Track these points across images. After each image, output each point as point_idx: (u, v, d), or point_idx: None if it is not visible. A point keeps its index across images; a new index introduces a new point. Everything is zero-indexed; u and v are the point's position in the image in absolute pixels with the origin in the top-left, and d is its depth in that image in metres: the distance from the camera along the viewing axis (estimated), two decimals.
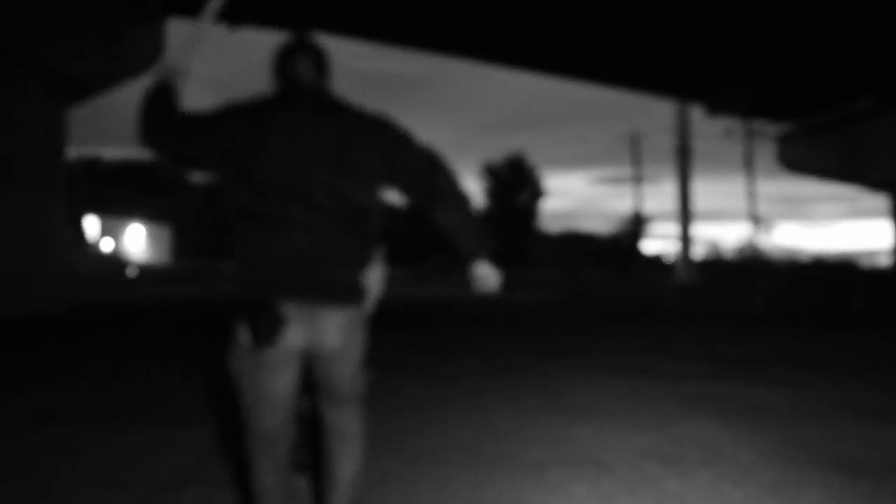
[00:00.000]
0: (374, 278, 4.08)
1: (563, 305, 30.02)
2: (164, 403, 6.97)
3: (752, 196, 42.84)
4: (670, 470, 5.02)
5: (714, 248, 62.10)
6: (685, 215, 47.58)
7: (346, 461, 3.35)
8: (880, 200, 34.95)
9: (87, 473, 4.78)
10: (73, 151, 73.49)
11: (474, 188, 77.96)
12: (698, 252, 54.97)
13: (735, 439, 5.88)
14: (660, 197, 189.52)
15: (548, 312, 24.61)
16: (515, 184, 77.21)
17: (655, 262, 72.52)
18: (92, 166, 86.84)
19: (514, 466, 5.08)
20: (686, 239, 47.68)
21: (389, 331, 13.63)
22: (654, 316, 22.70)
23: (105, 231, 63.94)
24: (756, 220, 44.52)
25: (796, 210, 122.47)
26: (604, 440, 5.84)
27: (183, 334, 13.54)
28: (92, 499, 4.30)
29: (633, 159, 57.05)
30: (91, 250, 58.16)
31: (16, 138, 18.06)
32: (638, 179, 57.65)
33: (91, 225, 61.51)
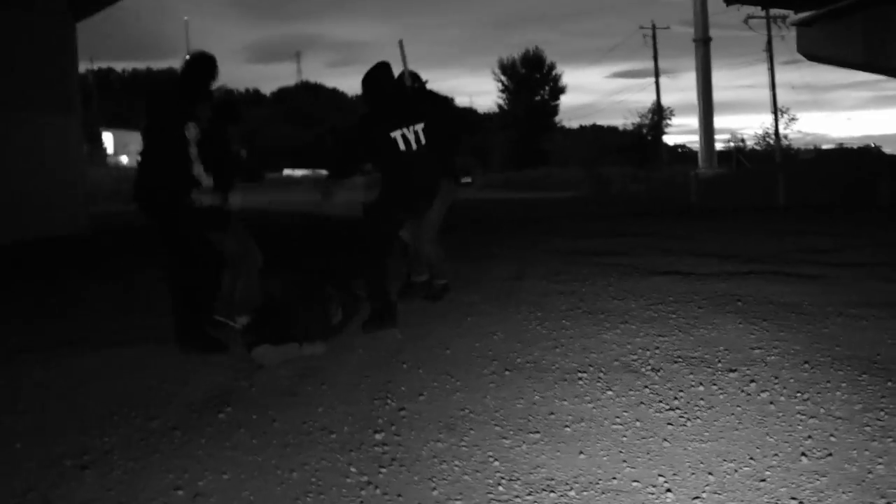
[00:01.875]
0: None
1: (584, 203, 29.90)
2: None
3: (772, 86, 42.19)
4: (698, 373, 5.03)
5: (735, 139, 61.32)
6: (706, 107, 47.14)
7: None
8: None
9: (120, 398, 4.85)
10: (85, 66, 73.08)
11: (491, 87, 76.98)
12: (719, 144, 54.37)
13: (761, 340, 5.87)
14: (680, 90, 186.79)
15: (570, 212, 24.53)
16: (534, 81, 76.41)
17: (677, 155, 71.96)
18: (104, 80, 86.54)
19: (543, 373, 5.12)
20: (708, 131, 47.30)
21: None
22: (677, 212, 22.60)
23: (121, 146, 63.82)
24: (777, 109, 43.90)
25: (819, 99, 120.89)
26: (632, 344, 5.85)
27: None
28: (126, 423, 4.37)
29: (652, 52, 56.35)
30: (109, 166, 58.18)
31: (28, 59, 17.94)
32: (656, 73, 57.04)
33: (107, 140, 61.46)
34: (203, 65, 6.35)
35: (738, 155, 52.50)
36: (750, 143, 59.66)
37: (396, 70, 6.82)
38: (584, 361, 5.40)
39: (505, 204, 31.18)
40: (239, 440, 4.03)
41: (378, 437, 4.04)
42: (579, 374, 5.06)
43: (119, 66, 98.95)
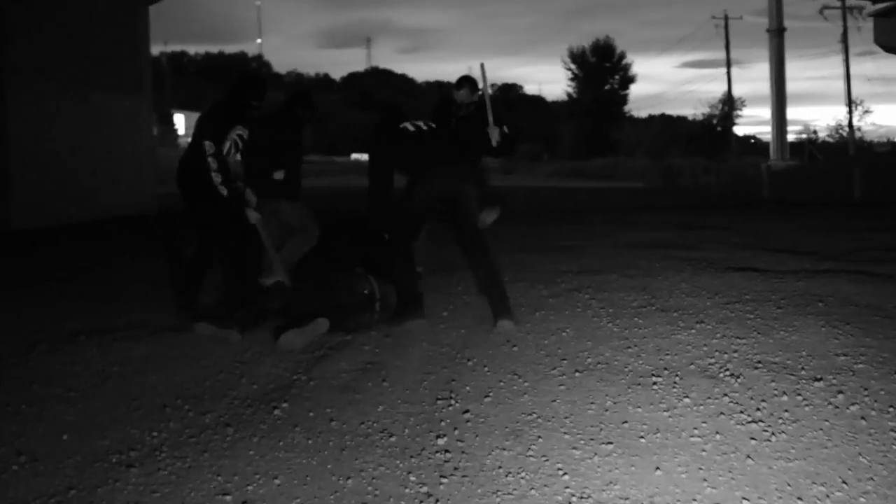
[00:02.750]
0: None
1: (654, 194, 29.41)
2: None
3: (847, 77, 41.15)
4: (780, 381, 4.71)
5: (808, 131, 60.05)
6: (779, 98, 46.26)
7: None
8: None
9: (174, 389, 4.69)
10: (159, 49, 73.91)
11: (561, 75, 76.74)
12: (791, 135, 53.23)
13: (846, 345, 5.52)
14: (750, 81, 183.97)
15: (639, 203, 24.10)
16: (603, 70, 75.69)
17: (747, 145, 70.83)
18: (178, 63, 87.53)
19: (615, 376, 4.85)
20: (781, 123, 46.42)
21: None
22: (749, 205, 22.08)
23: (191, 127, 64.22)
24: (851, 101, 42.85)
25: (894, 91, 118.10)
26: (708, 346, 5.56)
27: None
28: (178, 417, 4.19)
29: (723, 42, 55.37)
30: (180, 147, 58.72)
31: (100, 40, 18.01)
32: (728, 63, 56.05)
33: (178, 122, 62.10)
34: (250, 85, 6.95)
35: (811, 147, 51.40)
36: (822, 135, 58.46)
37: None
38: (659, 364, 5.12)
39: (572, 193, 30.79)
40: (293, 440, 3.82)
41: (440, 441, 3.80)
42: (653, 378, 4.78)
43: (192, 50, 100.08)
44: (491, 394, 4.53)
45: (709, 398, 4.40)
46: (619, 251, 10.77)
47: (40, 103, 15.86)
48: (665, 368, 4.99)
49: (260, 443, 3.78)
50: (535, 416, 4.15)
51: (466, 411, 4.22)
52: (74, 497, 3.20)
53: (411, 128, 6.70)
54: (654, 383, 4.68)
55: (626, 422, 4.05)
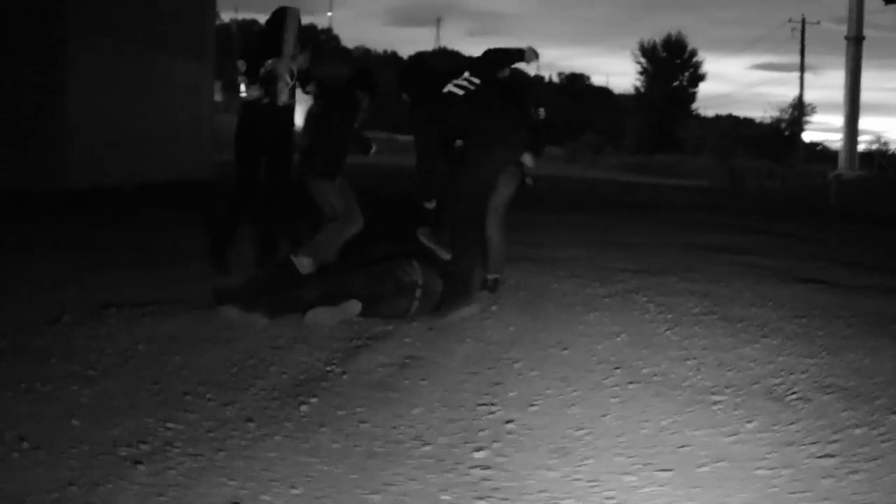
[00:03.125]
0: None
1: (718, 195, 28.75)
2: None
3: None
4: (855, 410, 4.28)
5: (879, 142, 58.60)
6: (853, 107, 45.20)
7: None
8: None
9: (199, 374, 4.37)
10: (229, 16, 74.15)
11: (629, 68, 76.21)
12: (861, 145, 51.96)
13: None
14: (822, 88, 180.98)
15: (702, 203, 23.53)
16: (673, 66, 74.55)
17: (813, 152, 69.66)
18: (247, 30, 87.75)
19: (673, 390, 4.47)
20: (852, 132, 45.40)
21: (536, 215, 12.91)
22: (816, 213, 21.44)
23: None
24: None
25: None
26: (773, 364, 5.14)
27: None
28: (198, 407, 3.87)
29: (797, 46, 54.24)
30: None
31: (164, 1, 17.86)
32: (802, 67, 54.88)
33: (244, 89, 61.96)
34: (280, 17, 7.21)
35: (880, 158, 50.16)
36: (893, 147, 57.15)
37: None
38: (720, 380, 4.73)
39: (634, 188, 30.23)
40: (318, 442, 3.48)
41: (478, 455, 3.44)
42: (714, 397, 4.39)
43: (262, 18, 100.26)
44: (537, 402, 4.16)
45: (775, 424, 4.00)
46: (680, 252, 10.36)
47: (100, 64, 15.71)
48: (727, 386, 4.59)
49: (282, 443, 3.44)
50: (584, 431, 3.78)
51: (509, 421, 3.85)
52: (73, 495, 2.88)
53: (459, 91, 6.12)
54: (716, 403, 4.29)
55: (684, 446, 3.66)
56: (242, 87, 7.27)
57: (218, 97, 60.58)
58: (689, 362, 5.05)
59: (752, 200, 26.53)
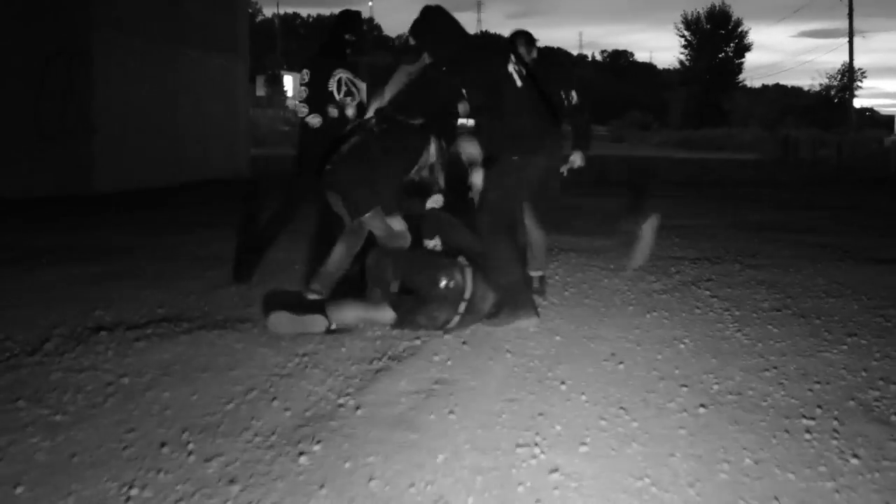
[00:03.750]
0: None
1: (770, 167, 27.69)
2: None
3: None
4: None
5: None
6: None
7: None
8: None
9: (193, 411, 3.70)
10: (271, 11, 74.08)
11: (672, 43, 74.84)
12: None
13: None
14: (870, 52, 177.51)
15: (756, 177, 22.52)
16: (718, 37, 73.01)
17: (864, 118, 68.22)
18: (290, 25, 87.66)
19: (752, 413, 3.72)
20: None
21: (582, 199, 11.94)
22: (877, 182, 20.39)
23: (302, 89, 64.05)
24: None
25: None
26: (868, 371, 4.39)
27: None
28: (175, 463, 3.19)
29: (843, 11, 52.61)
30: (287, 108, 58.55)
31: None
32: (850, 31, 53.19)
33: (287, 83, 61.91)
34: (341, 20, 7.06)
35: None
36: None
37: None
38: (807, 396, 3.97)
39: (683, 164, 29.19)
40: None
41: None
42: (804, 421, 3.64)
43: (304, 12, 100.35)
44: (588, 440, 3.42)
45: (885, 459, 3.25)
46: (739, 233, 9.57)
47: (129, 60, 15.16)
48: (817, 405, 3.84)
49: None
50: (647, 481, 3.04)
51: (554, 470, 3.12)
52: None
53: (517, 77, 5.20)
54: (807, 430, 3.54)
55: (777, 498, 2.92)
56: (300, 104, 7.06)
57: (261, 91, 60.83)
58: (767, 374, 4.30)
59: (807, 171, 25.45)
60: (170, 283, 6.40)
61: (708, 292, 6.27)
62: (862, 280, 6.80)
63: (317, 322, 4.91)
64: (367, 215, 5.34)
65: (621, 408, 3.79)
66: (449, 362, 4.47)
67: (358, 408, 3.76)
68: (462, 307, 5.05)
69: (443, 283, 5.02)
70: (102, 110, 14.48)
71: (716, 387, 4.10)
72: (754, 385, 4.12)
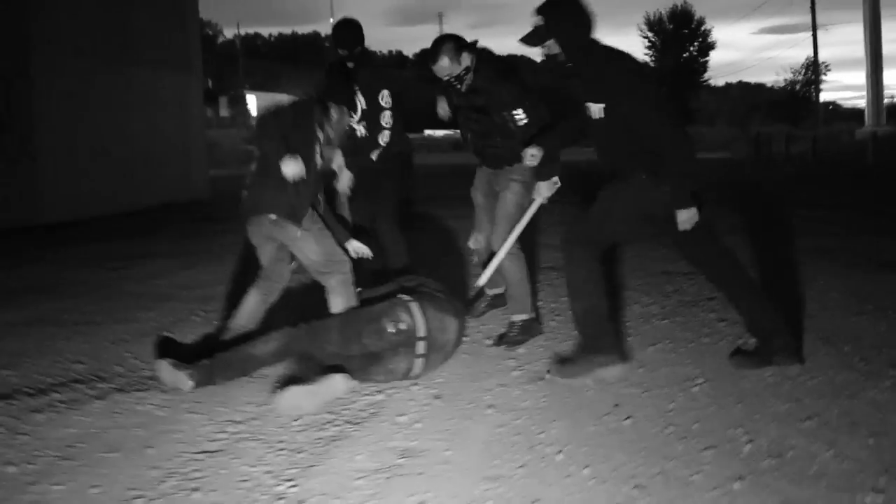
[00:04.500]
0: None
1: (745, 166, 27.03)
2: None
3: None
4: None
5: None
6: (875, 60, 43.42)
7: None
8: None
9: None
10: (232, 32, 73.49)
11: (637, 44, 74.67)
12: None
13: None
14: (830, 45, 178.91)
15: (733, 176, 21.80)
16: (681, 37, 72.59)
17: (828, 112, 68.36)
18: (251, 45, 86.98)
19: (805, 487, 2.95)
20: (877, 86, 43.62)
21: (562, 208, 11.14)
22: (858, 176, 19.72)
23: (263, 108, 63.69)
24: None
25: None
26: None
27: None
28: None
29: (802, 7, 52.28)
30: (250, 128, 57.79)
31: (142, 12, 16.45)
32: (814, 25, 52.80)
33: (251, 102, 61.27)
34: (333, 34, 6.14)
35: None
36: None
37: None
38: (865, 457, 3.20)
39: None
40: None
41: None
42: (873, 497, 2.86)
43: (265, 31, 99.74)
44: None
45: None
46: (733, 239, 8.77)
47: (73, 81, 14.29)
48: (883, 470, 3.06)
49: None
50: None
51: None
52: None
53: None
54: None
55: None
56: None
57: (224, 112, 60.04)
58: (807, 424, 3.51)
59: (782, 168, 24.81)
60: (97, 330, 5.56)
61: (713, 314, 5.49)
62: (879, 291, 6.09)
63: (338, 383, 4.07)
64: (291, 236, 4.56)
65: (636, 486, 2.98)
66: (418, 424, 3.66)
67: (301, 503, 2.94)
68: (421, 348, 4.26)
69: (391, 331, 4.23)
70: (46, 136, 13.63)
71: (748, 447, 3.31)
72: (795, 441, 3.33)
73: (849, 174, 20.37)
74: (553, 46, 4.16)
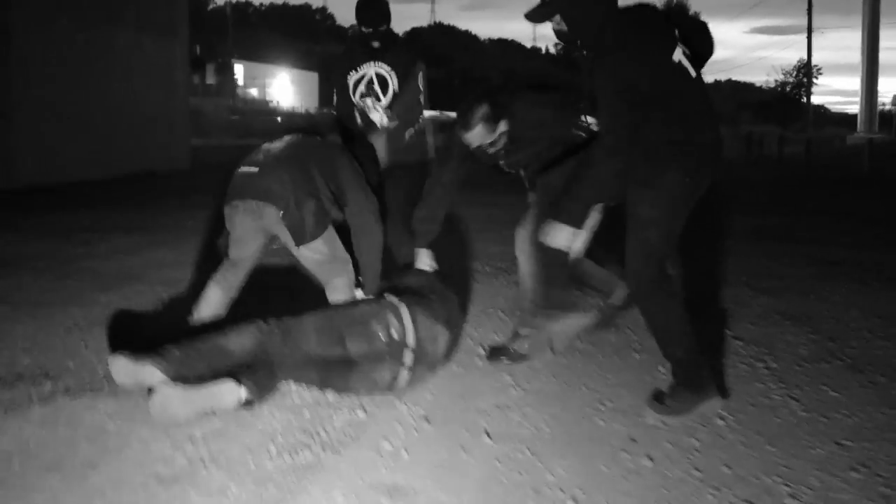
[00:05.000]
0: None
1: (737, 167, 26.63)
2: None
3: None
4: None
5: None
6: (871, 66, 43.23)
7: None
8: None
9: None
10: None
11: None
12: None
13: None
14: (822, 49, 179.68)
15: (726, 176, 21.35)
16: None
17: (818, 115, 68.46)
18: (242, 13, 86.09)
19: None
20: (871, 92, 43.46)
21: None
22: (857, 182, 19.28)
23: (250, 78, 62.93)
24: None
25: None
26: None
27: None
28: None
29: (797, 9, 51.94)
30: (237, 97, 57.11)
31: None
32: (809, 27, 52.46)
33: (238, 72, 60.59)
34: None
35: None
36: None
37: None
38: None
39: None
40: None
41: None
42: None
43: (256, 0, 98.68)
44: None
45: None
46: (734, 246, 8.34)
47: (53, 43, 13.78)
48: None
49: None
50: None
51: None
52: None
53: (689, 66, 3.74)
54: None
55: None
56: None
57: (211, 80, 59.33)
58: (855, 475, 3.02)
59: (776, 170, 24.39)
60: (51, 314, 5.06)
61: (728, 331, 5.02)
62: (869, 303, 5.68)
63: (220, 393, 3.46)
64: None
65: None
66: (405, 454, 3.16)
67: None
68: (408, 358, 3.78)
69: (382, 336, 3.74)
70: (21, 96, 13.13)
71: (789, 500, 2.84)
72: (844, 496, 2.86)
73: (846, 180, 19.94)
74: (560, 22, 3.62)
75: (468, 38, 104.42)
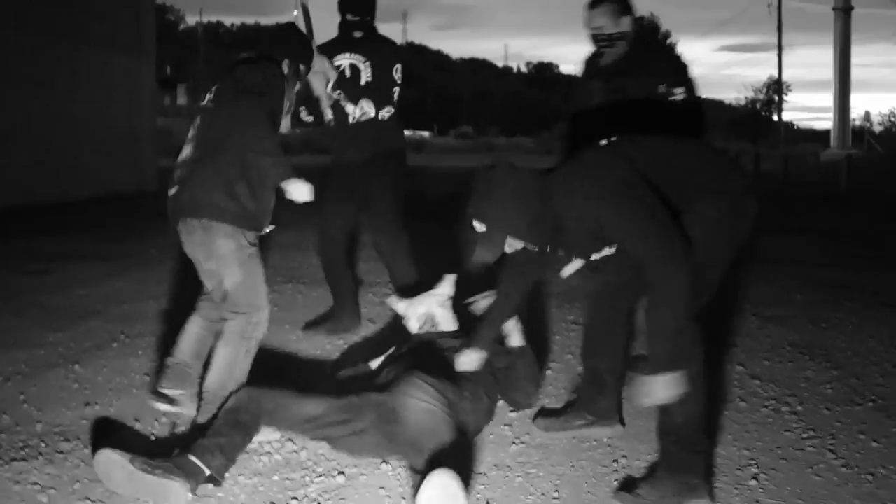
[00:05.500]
0: None
1: None
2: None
3: None
4: None
5: (868, 119, 56.24)
6: (843, 83, 43.33)
7: None
8: None
9: None
10: (195, 19, 72.48)
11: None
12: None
13: None
14: (792, 67, 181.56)
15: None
16: None
17: (788, 132, 68.81)
18: (213, 34, 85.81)
19: None
20: (844, 109, 43.52)
21: None
22: (837, 199, 18.98)
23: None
24: None
25: None
26: None
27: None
28: None
29: (767, 27, 52.11)
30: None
31: None
32: (780, 44, 52.42)
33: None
34: None
35: (870, 136, 48.15)
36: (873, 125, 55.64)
37: None
38: None
39: None
40: None
41: None
42: None
43: (228, 21, 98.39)
44: None
45: None
46: (731, 269, 7.86)
47: (10, 58, 13.23)
48: None
49: None
50: None
51: None
52: None
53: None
54: None
55: None
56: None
57: (182, 100, 58.82)
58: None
59: (758, 188, 24.03)
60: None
61: (742, 368, 4.57)
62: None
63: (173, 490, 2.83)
64: (222, 246, 3.50)
65: None
66: None
67: None
68: None
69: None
70: None
71: None
72: None
73: (827, 197, 19.63)
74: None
75: (440, 57, 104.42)
